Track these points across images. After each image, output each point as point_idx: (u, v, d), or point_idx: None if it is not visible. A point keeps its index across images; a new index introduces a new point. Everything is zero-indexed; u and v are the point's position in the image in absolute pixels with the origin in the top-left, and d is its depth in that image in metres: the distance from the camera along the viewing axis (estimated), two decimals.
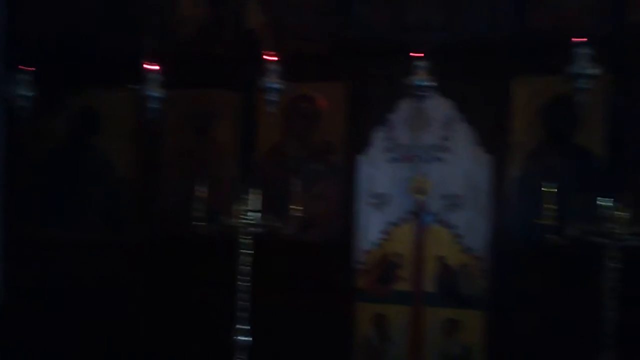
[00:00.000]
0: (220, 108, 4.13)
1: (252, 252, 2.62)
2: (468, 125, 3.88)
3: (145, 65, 2.58)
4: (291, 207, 2.61)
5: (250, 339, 2.57)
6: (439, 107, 3.87)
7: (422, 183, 3.92)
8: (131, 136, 4.29)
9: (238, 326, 2.60)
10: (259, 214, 2.59)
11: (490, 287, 3.80)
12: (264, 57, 2.45)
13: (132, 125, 4.24)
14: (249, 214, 2.59)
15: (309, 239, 3.98)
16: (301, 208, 2.60)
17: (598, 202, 2.43)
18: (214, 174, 3.87)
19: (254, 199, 2.60)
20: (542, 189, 2.47)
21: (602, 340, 2.44)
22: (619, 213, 2.37)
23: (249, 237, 2.60)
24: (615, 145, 3.56)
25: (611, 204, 2.38)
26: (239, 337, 2.58)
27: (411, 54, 2.55)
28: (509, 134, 3.85)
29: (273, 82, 2.47)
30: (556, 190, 2.51)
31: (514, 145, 3.83)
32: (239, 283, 2.60)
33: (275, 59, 2.43)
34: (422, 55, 2.50)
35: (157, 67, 2.57)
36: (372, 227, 3.98)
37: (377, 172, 3.98)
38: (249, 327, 2.57)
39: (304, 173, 3.95)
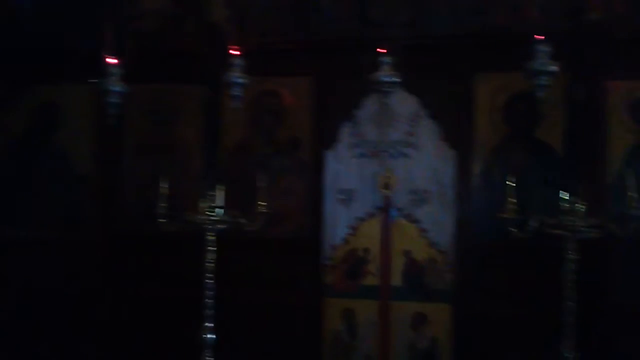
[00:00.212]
0: (183, 103, 4.06)
1: (216, 249, 2.59)
2: (433, 121, 3.93)
3: (106, 59, 2.52)
4: (257, 203, 2.58)
5: (214, 336, 2.54)
6: (404, 103, 3.91)
7: (388, 179, 3.95)
8: (91, 131, 4.18)
9: (204, 324, 2.57)
10: (224, 211, 2.56)
11: (455, 280, 3.86)
12: (228, 51, 2.42)
13: (93, 121, 4.14)
14: (213, 210, 2.56)
15: (276, 235, 3.98)
16: (267, 204, 2.58)
17: (557, 196, 2.49)
18: (178, 170, 3.83)
19: (218, 195, 2.57)
20: (506, 183, 2.51)
21: (563, 330, 2.50)
22: (576, 206, 2.43)
23: (214, 234, 2.57)
24: (573, 140, 3.66)
25: (569, 197, 2.44)
26: (206, 335, 2.56)
27: (377, 49, 2.56)
28: (472, 130, 3.91)
29: (237, 76, 2.44)
30: (517, 184, 2.56)
31: (477, 141, 3.90)
32: (205, 280, 2.57)
33: (240, 53, 2.41)
34: (388, 51, 2.51)
35: (118, 61, 2.51)
36: (339, 223, 3.99)
37: (344, 168, 3.99)
38: (213, 325, 2.54)
39: (271, 169, 3.93)
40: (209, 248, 2.59)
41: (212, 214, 2.55)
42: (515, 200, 2.53)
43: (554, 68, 2.18)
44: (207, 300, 2.57)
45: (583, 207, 2.46)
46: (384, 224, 3.96)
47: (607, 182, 3.69)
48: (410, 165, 3.94)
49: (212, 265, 2.56)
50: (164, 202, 2.58)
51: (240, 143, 4.03)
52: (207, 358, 2.56)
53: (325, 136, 3.99)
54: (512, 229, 2.44)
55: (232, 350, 3.75)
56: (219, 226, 2.56)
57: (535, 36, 2.21)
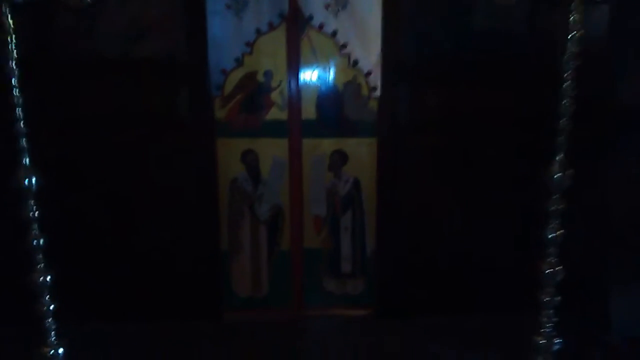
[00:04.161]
0: None
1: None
2: None
3: None
4: None
5: (34, 182, 1.58)
6: None
7: None
8: None
9: (20, 167, 1.59)
10: None
11: (381, 108, 3.09)
12: None
13: None
14: None
15: (143, 54, 2.89)
16: None
17: None
18: None
19: None
20: None
21: (554, 135, 1.87)
22: None
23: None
24: None
25: None
26: (24, 180, 1.59)
27: None
28: None
29: None
30: None
31: None
32: (11, 85, 1.54)
33: None
34: None
35: None
36: (231, 38, 2.97)
37: None
38: (30, 166, 1.58)
39: None
40: (10, 36, 1.52)
41: None
42: None
43: None
44: (18, 127, 1.56)
45: None
46: (291, 38, 3.00)
47: None
48: None
49: (14, 54, 1.51)
50: None
51: None
52: (31, 206, 1.61)
53: None
54: None
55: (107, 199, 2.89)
56: None
57: None
